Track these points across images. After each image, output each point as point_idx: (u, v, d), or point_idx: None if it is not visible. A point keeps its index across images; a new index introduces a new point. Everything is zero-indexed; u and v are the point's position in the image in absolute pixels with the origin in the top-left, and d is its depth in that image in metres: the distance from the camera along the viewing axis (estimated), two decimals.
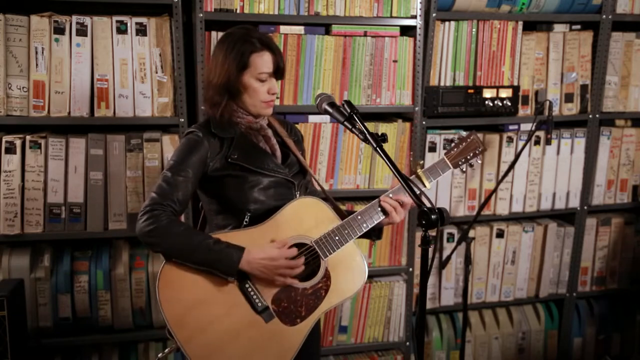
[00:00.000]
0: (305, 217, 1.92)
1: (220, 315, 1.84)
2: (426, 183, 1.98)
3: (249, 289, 1.87)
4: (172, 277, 1.82)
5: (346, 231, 1.92)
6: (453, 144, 2.07)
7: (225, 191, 1.93)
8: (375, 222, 1.96)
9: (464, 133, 2.08)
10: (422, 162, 2.05)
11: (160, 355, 1.90)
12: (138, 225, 1.80)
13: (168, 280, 1.82)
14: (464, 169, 2.07)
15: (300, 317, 1.90)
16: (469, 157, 2.06)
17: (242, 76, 1.90)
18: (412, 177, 1.98)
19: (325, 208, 1.95)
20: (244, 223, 1.91)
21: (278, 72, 1.95)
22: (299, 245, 1.92)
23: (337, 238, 1.91)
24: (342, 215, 1.97)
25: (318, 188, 2.18)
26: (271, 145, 2.00)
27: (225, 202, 1.95)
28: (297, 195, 2.00)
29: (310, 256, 1.93)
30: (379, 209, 1.95)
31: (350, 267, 1.95)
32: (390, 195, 1.96)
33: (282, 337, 1.89)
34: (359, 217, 1.93)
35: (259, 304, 1.87)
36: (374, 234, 2.03)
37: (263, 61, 1.90)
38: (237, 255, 1.81)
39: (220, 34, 2.64)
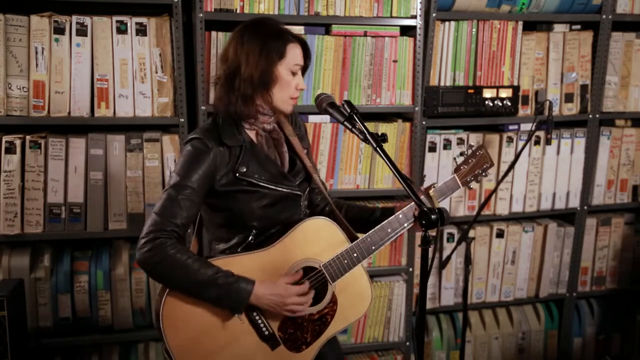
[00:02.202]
0: (314, 240, 1.87)
1: (226, 343, 1.79)
2: (436, 203, 1.93)
3: (256, 316, 1.83)
4: (177, 305, 1.75)
5: (355, 254, 1.87)
6: (463, 159, 2.01)
7: (231, 206, 1.85)
8: (384, 244, 1.91)
9: (473, 143, 2.02)
10: (435, 183, 2.00)
11: None
12: (140, 254, 1.70)
13: (172, 308, 1.75)
14: (471, 186, 2.04)
15: (306, 343, 1.87)
16: (477, 174, 2.02)
17: (277, 66, 1.83)
18: (423, 198, 1.92)
19: (335, 229, 1.89)
20: (250, 240, 1.86)
21: (305, 68, 1.92)
22: (307, 269, 1.88)
23: (345, 262, 1.86)
24: (350, 233, 1.92)
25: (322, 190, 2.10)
26: (281, 152, 1.93)
27: (230, 216, 1.87)
28: (303, 205, 1.95)
29: (317, 280, 1.88)
30: (389, 229, 1.90)
31: (356, 291, 1.92)
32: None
33: None
34: (368, 240, 1.88)
35: (266, 331, 1.83)
36: None
37: (296, 53, 1.85)
38: (247, 290, 1.74)
39: (221, 34, 2.65)
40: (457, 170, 2.02)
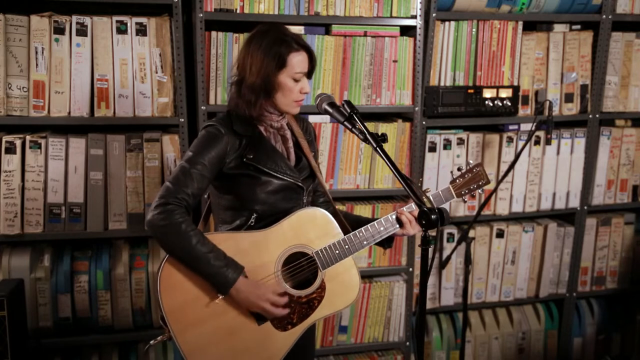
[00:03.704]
0: (310, 228, 1.94)
1: (216, 312, 1.87)
2: None
3: None
4: (175, 269, 1.85)
5: (347, 246, 1.95)
6: (459, 173, 2.08)
7: (236, 190, 1.94)
8: (376, 241, 1.99)
9: (467, 163, 2.10)
10: (428, 189, 2.06)
11: (152, 342, 1.93)
12: (151, 215, 1.81)
13: (171, 271, 1.84)
14: (466, 199, 2.10)
15: (292, 323, 1.94)
16: (472, 188, 2.09)
17: (278, 75, 1.90)
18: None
19: (331, 221, 1.96)
20: (250, 223, 1.93)
21: (310, 72, 1.97)
22: (300, 254, 1.94)
23: (337, 252, 1.94)
24: (346, 230, 1.99)
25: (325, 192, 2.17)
26: (287, 147, 2.01)
27: (235, 199, 1.96)
28: (305, 200, 2.01)
29: (309, 266, 1.95)
30: (382, 228, 1.97)
31: (345, 281, 1.98)
32: (405, 208, 1.98)
33: (272, 340, 1.92)
34: (360, 234, 1.95)
35: None
36: (385, 242, 2.05)
37: (299, 61, 1.90)
38: (232, 279, 1.82)
39: (221, 34, 2.65)
40: (452, 182, 2.08)
